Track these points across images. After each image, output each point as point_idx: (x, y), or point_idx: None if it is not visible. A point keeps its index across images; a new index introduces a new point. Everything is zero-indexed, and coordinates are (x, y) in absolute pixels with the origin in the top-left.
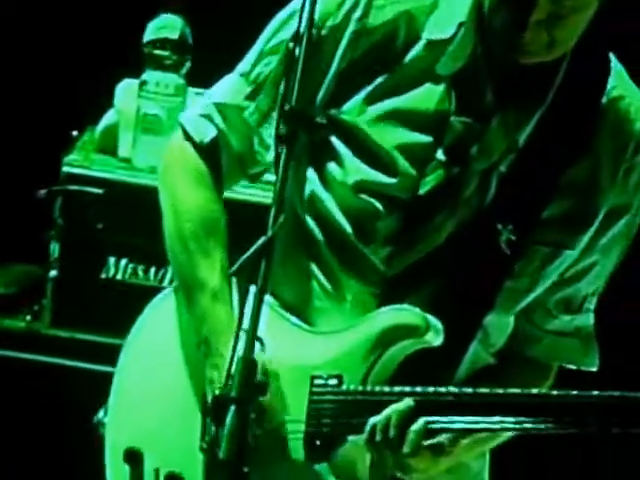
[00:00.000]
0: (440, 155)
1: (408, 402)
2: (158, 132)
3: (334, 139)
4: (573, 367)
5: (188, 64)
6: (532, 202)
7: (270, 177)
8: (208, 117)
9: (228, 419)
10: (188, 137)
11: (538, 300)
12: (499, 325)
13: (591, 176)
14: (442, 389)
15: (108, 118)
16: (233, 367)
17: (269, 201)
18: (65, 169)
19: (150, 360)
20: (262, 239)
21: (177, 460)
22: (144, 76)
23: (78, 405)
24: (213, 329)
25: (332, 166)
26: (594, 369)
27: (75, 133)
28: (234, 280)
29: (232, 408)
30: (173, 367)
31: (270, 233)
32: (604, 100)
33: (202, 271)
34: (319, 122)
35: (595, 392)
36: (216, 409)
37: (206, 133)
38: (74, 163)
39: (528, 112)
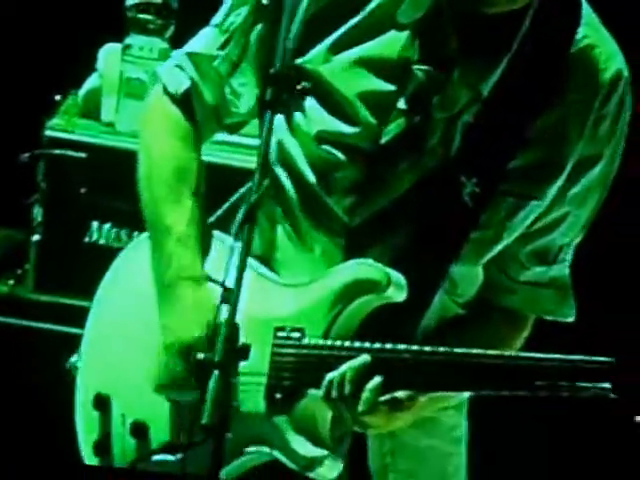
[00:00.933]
0: (401, 104)
1: (364, 358)
2: (141, 96)
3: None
4: (549, 318)
5: (172, 28)
6: (497, 153)
7: (246, 141)
8: (181, 67)
9: (211, 384)
10: (165, 88)
11: (509, 253)
12: (467, 276)
13: (558, 126)
14: (402, 346)
15: (91, 82)
16: (219, 331)
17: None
18: (48, 133)
19: (121, 306)
20: (240, 193)
21: (143, 408)
22: (127, 40)
23: (60, 369)
24: (176, 274)
25: (297, 115)
26: (571, 319)
27: (58, 97)
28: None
29: (215, 373)
30: (141, 314)
31: (254, 198)
32: (573, 49)
33: (169, 216)
34: (304, 87)
35: (550, 355)
36: (199, 373)
37: (180, 84)
38: (57, 127)
39: (492, 61)
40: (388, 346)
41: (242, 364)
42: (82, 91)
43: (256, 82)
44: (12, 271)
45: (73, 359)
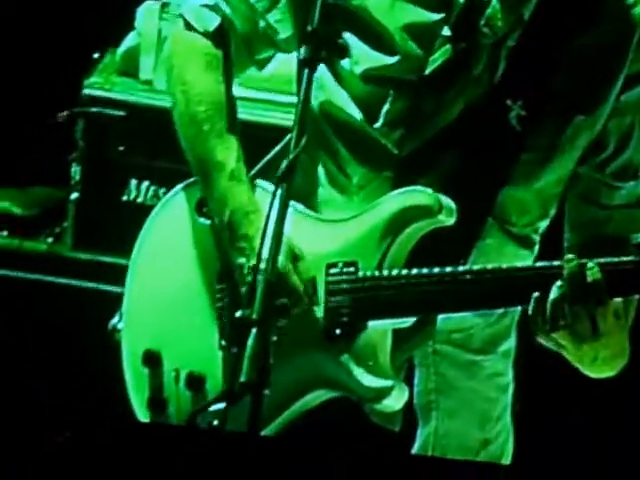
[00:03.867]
0: (446, 31)
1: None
2: None
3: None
4: None
5: None
6: (542, 75)
7: (286, 99)
8: (211, 6)
9: (249, 341)
10: (191, 28)
11: (594, 181)
12: (520, 201)
13: (602, 44)
14: (461, 268)
15: (129, 40)
16: (257, 289)
17: (286, 123)
18: (86, 91)
19: (161, 260)
20: (280, 146)
21: (197, 360)
22: None
23: (99, 327)
24: (235, 211)
25: (340, 59)
26: None
27: (96, 55)
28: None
29: (253, 330)
30: (185, 265)
31: (292, 155)
32: None
33: (219, 153)
34: (341, 44)
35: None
36: (237, 331)
37: (210, 21)
38: (95, 85)
39: None
40: (448, 270)
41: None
42: (120, 49)
43: (292, 19)
44: (51, 229)
45: (114, 321)
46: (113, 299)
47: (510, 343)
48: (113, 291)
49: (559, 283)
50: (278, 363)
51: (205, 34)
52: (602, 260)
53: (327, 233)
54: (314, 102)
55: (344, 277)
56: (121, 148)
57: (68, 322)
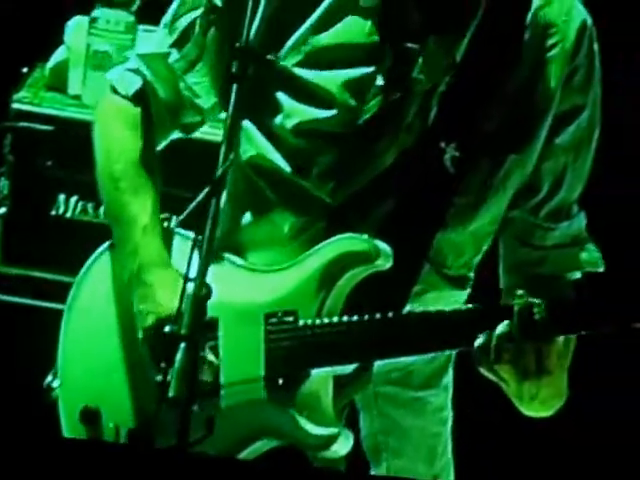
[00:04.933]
0: (380, 81)
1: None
2: (108, 69)
3: (271, 86)
4: (579, 274)
5: (138, 1)
6: (474, 115)
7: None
8: (134, 70)
9: (178, 357)
10: (116, 91)
11: (528, 224)
12: (455, 244)
13: (528, 84)
14: (408, 312)
15: (58, 55)
16: (182, 304)
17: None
18: (15, 106)
19: (94, 316)
20: (208, 188)
21: (134, 416)
22: (94, 13)
23: (29, 342)
24: (142, 261)
25: (270, 113)
26: (601, 270)
27: (25, 70)
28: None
29: (182, 346)
30: (116, 322)
31: (220, 171)
32: (532, 8)
33: (133, 209)
34: (270, 59)
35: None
36: (165, 347)
37: (131, 85)
38: (24, 100)
39: (463, 28)
40: (390, 315)
41: (234, 358)
42: (49, 64)
43: (210, 83)
44: None
45: (49, 379)
46: (41, 314)
47: (449, 377)
48: (41, 306)
49: (506, 321)
50: (223, 414)
51: (126, 96)
52: (548, 300)
53: (264, 283)
54: (243, 156)
55: (284, 327)
56: (49, 163)
57: None
